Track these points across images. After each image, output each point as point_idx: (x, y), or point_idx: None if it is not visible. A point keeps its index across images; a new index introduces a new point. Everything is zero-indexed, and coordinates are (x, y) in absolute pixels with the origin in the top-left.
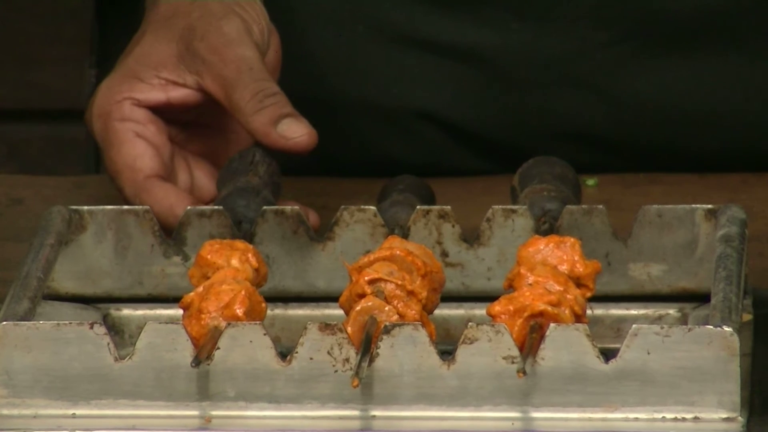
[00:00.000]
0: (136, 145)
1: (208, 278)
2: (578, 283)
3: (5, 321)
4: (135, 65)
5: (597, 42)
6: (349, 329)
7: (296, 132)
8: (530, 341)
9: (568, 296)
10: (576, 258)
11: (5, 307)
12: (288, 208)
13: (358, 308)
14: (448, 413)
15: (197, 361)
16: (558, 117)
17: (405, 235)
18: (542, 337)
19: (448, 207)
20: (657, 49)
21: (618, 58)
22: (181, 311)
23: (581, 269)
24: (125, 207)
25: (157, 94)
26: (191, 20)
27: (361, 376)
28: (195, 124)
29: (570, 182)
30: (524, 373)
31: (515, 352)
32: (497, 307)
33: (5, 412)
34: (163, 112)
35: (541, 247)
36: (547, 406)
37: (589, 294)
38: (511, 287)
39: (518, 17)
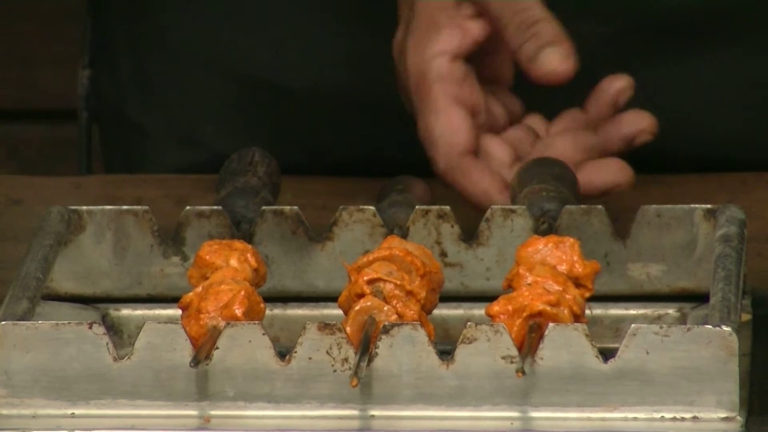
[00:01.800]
0: (454, 115)
1: (207, 278)
2: (577, 283)
3: (4, 321)
4: (428, 12)
5: (598, 38)
6: (348, 329)
7: (550, 65)
8: (529, 341)
9: (567, 296)
10: (575, 258)
11: (4, 307)
12: (287, 208)
13: (357, 308)
14: (447, 413)
15: (196, 361)
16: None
17: (404, 235)
18: (541, 337)
19: (447, 207)
20: (658, 46)
21: (619, 54)
22: (180, 311)
23: (580, 269)
24: (124, 207)
25: (463, 38)
26: None
27: (359, 376)
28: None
29: (569, 182)
30: (523, 372)
31: (514, 351)
32: (496, 307)
33: (4, 412)
34: (471, 56)
35: (540, 247)
36: (546, 405)
37: (587, 294)
38: (510, 287)
39: None
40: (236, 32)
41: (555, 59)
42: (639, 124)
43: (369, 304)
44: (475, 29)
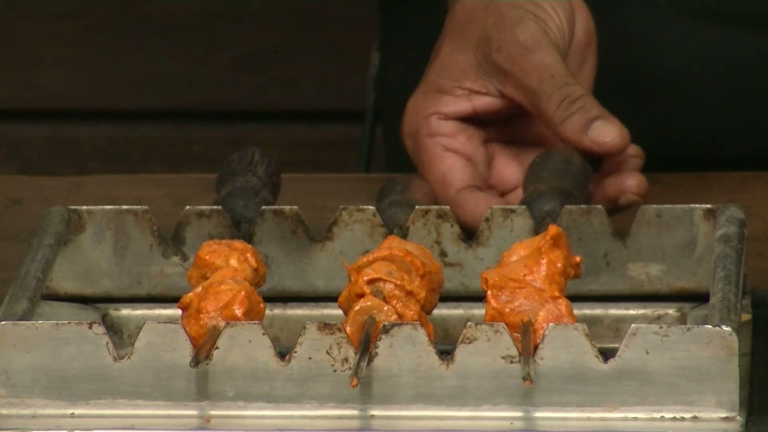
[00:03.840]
0: (445, 159)
1: (207, 278)
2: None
3: (4, 321)
4: (436, 78)
5: None
6: (348, 329)
7: (606, 136)
8: (526, 343)
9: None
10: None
11: (4, 307)
12: (287, 208)
13: (356, 308)
14: (446, 413)
15: (196, 361)
16: None
17: (404, 235)
18: (534, 333)
19: (447, 207)
20: None
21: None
22: (179, 311)
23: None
24: (124, 207)
25: (463, 105)
26: (486, 28)
27: (359, 376)
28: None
29: (579, 179)
30: (531, 381)
31: (514, 351)
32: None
33: (4, 411)
34: (471, 120)
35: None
36: (546, 405)
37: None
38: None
39: None
40: None
41: (611, 129)
42: (621, 184)
43: (369, 304)
44: (479, 102)
